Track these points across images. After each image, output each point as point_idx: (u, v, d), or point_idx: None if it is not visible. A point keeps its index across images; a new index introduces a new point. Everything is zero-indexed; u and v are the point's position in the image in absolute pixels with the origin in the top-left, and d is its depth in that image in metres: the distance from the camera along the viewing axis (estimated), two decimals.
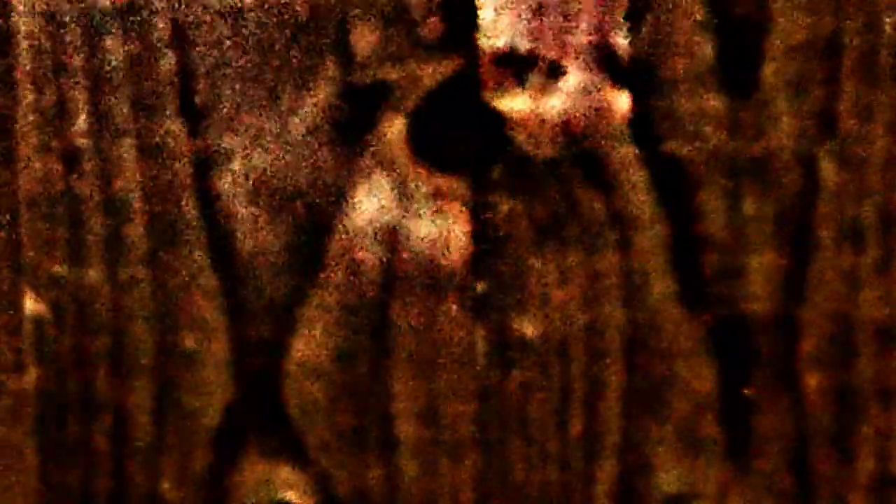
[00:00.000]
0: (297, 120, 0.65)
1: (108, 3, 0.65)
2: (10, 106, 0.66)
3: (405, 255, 0.66)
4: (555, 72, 0.65)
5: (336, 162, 0.66)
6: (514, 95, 0.65)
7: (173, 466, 0.67)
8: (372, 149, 0.65)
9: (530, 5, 0.64)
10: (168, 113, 0.66)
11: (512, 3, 0.64)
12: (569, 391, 0.66)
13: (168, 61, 0.65)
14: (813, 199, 0.65)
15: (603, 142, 0.65)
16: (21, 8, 0.65)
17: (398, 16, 0.65)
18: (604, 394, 0.66)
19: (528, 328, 0.66)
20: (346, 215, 0.66)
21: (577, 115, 0.65)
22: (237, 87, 0.65)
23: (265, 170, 0.66)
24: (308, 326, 0.66)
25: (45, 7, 0.65)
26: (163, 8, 0.65)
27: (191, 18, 0.65)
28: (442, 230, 0.66)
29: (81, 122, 0.66)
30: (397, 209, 0.66)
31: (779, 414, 0.65)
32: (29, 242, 0.67)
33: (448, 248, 0.66)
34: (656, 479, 0.66)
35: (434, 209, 0.66)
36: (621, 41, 0.64)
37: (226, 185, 0.66)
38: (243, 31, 0.65)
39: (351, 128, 0.66)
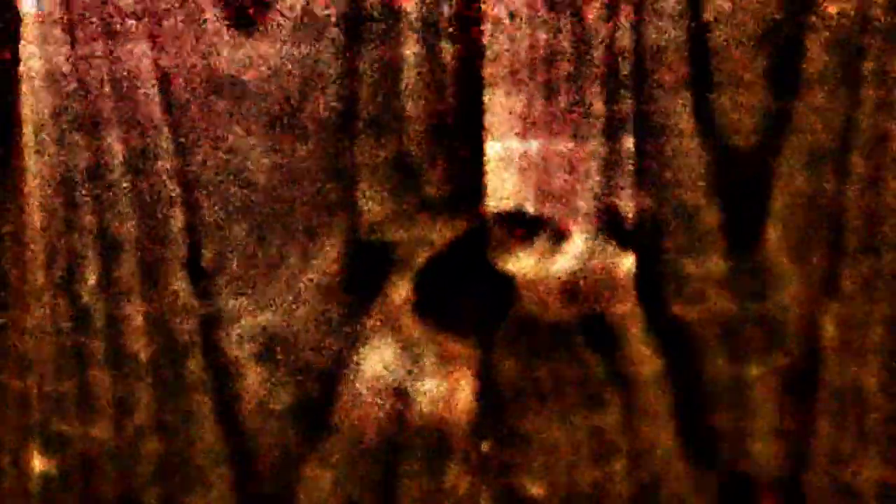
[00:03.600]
0: (304, 280, 0.66)
1: (118, 162, 0.66)
2: (20, 264, 0.67)
3: (411, 414, 0.66)
4: (561, 234, 0.65)
5: (343, 321, 0.66)
6: (520, 257, 0.66)
7: None
8: (379, 309, 0.66)
9: (537, 167, 0.65)
10: (176, 272, 0.66)
11: (519, 165, 0.65)
12: None
13: (176, 220, 0.66)
14: (816, 360, 0.65)
15: (608, 303, 0.65)
16: (34, 168, 0.66)
17: (405, 176, 0.66)
18: None
19: (534, 488, 0.66)
20: (353, 374, 0.66)
21: (583, 276, 0.65)
22: (244, 246, 0.66)
23: (272, 329, 0.66)
24: (314, 484, 0.67)
25: (57, 167, 0.66)
26: (172, 167, 0.66)
27: (199, 178, 0.66)
28: (448, 390, 0.66)
29: (91, 280, 0.66)
30: (403, 369, 0.66)
31: None
32: (37, 401, 0.67)
33: (454, 408, 0.66)
34: None
35: (440, 369, 0.66)
36: (627, 204, 0.65)
37: (232, 345, 0.66)
38: (251, 190, 0.66)
39: (358, 288, 0.66)
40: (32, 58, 0.66)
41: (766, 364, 0.65)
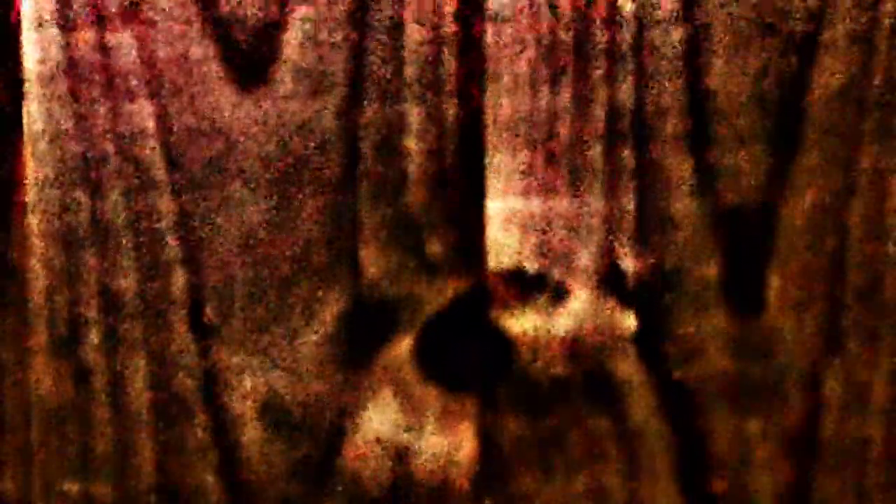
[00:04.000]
0: (306, 338, 0.66)
1: (120, 220, 0.66)
2: (22, 322, 0.67)
3: (413, 472, 0.66)
4: (562, 292, 0.66)
5: (345, 380, 0.66)
6: (521, 315, 0.66)
7: None
8: (381, 367, 0.66)
9: (538, 225, 0.65)
10: (178, 329, 0.66)
11: (519, 223, 0.65)
12: None
13: (178, 278, 0.66)
14: (818, 418, 0.65)
15: (610, 361, 0.66)
16: (36, 226, 0.66)
17: (407, 235, 0.66)
18: None
19: None
20: (355, 431, 0.66)
21: (585, 334, 0.66)
22: (247, 304, 0.66)
23: (274, 386, 0.66)
24: None
25: (59, 226, 0.66)
26: (173, 225, 0.66)
27: (201, 236, 0.66)
28: (449, 447, 0.66)
29: (93, 338, 0.67)
30: (405, 426, 0.66)
31: None
32: (39, 458, 0.67)
33: (455, 465, 0.66)
34: None
35: (442, 427, 0.66)
36: (628, 262, 0.65)
37: (235, 403, 0.66)
38: (253, 248, 0.66)
39: (360, 346, 0.66)
40: (35, 116, 0.66)
41: (768, 422, 0.65)
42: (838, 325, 0.65)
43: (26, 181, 0.66)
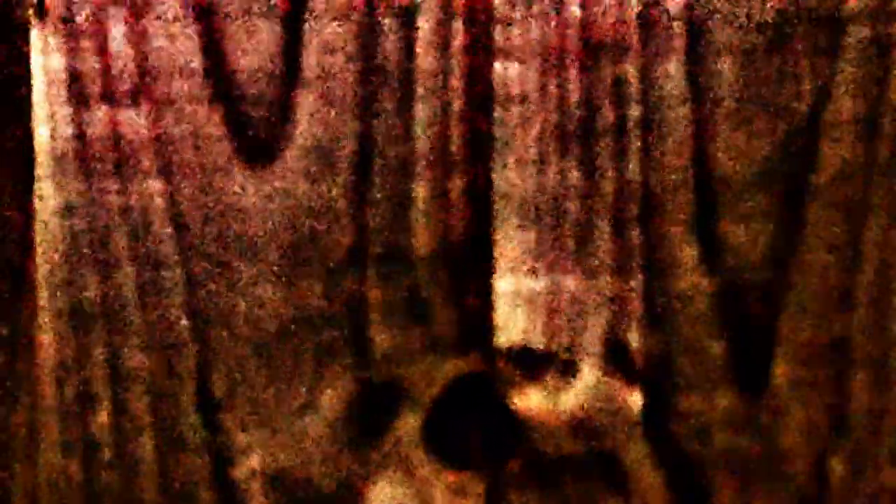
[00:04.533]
0: (314, 415, 0.66)
1: (130, 297, 0.66)
2: (31, 400, 0.67)
3: None
4: (569, 369, 0.66)
5: (353, 458, 0.66)
6: (529, 392, 0.66)
7: None
8: (388, 445, 0.66)
9: (545, 303, 0.66)
10: (186, 406, 0.67)
11: (527, 300, 0.66)
12: None
13: (187, 355, 0.67)
14: (825, 499, 0.65)
15: (617, 440, 0.66)
16: (45, 304, 0.67)
17: (415, 312, 0.66)
18: None
19: None
20: None
21: (592, 412, 0.66)
22: (255, 381, 0.66)
23: (283, 465, 0.66)
24: None
25: (69, 302, 0.67)
26: (182, 302, 0.66)
27: (210, 313, 0.66)
28: None
29: (102, 415, 0.67)
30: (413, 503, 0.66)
31: None
32: None
33: None
34: None
35: None
36: (635, 340, 0.65)
37: (243, 480, 0.67)
38: (261, 325, 0.66)
39: (368, 424, 0.66)
40: (46, 192, 0.67)
41: (775, 502, 0.65)
42: (845, 405, 0.65)
43: (37, 257, 0.67)
